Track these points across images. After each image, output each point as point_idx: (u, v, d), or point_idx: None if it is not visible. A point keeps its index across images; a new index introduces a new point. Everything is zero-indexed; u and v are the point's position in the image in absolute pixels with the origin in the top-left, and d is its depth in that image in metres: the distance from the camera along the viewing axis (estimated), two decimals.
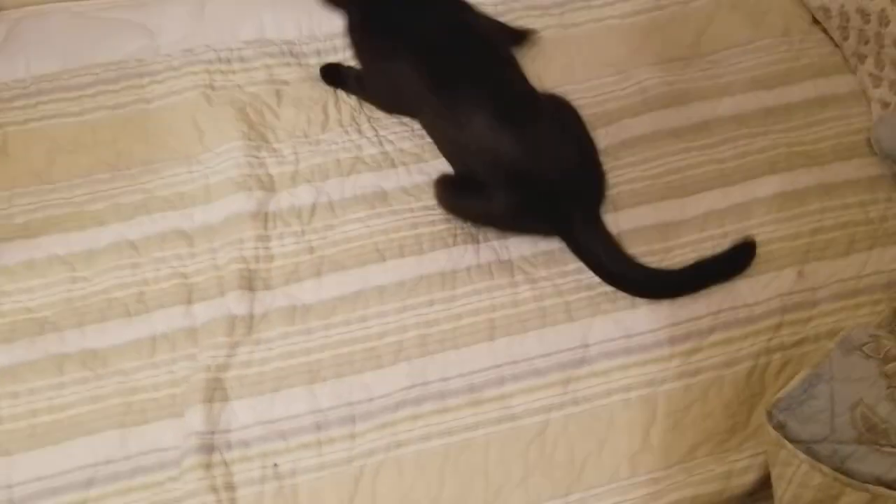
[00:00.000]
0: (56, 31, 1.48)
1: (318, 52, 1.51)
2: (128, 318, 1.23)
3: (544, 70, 1.49)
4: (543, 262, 1.31)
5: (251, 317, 1.24)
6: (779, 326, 1.26)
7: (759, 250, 1.32)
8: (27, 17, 1.50)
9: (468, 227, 1.33)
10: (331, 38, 1.52)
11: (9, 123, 1.37)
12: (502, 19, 1.53)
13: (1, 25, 1.49)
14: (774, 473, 1.10)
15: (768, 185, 1.38)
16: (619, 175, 1.38)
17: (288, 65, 1.48)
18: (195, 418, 1.15)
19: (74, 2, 1.54)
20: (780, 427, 1.10)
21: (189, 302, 1.25)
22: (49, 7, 1.52)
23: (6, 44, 1.46)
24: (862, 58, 1.50)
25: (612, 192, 1.37)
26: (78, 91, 1.42)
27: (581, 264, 1.30)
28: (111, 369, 1.20)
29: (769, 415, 1.11)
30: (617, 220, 1.34)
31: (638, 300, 1.27)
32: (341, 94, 1.46)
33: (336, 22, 1.51)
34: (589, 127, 1.39)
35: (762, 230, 1.34)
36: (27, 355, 1.20)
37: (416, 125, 1.42)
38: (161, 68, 1.45)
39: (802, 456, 1.05)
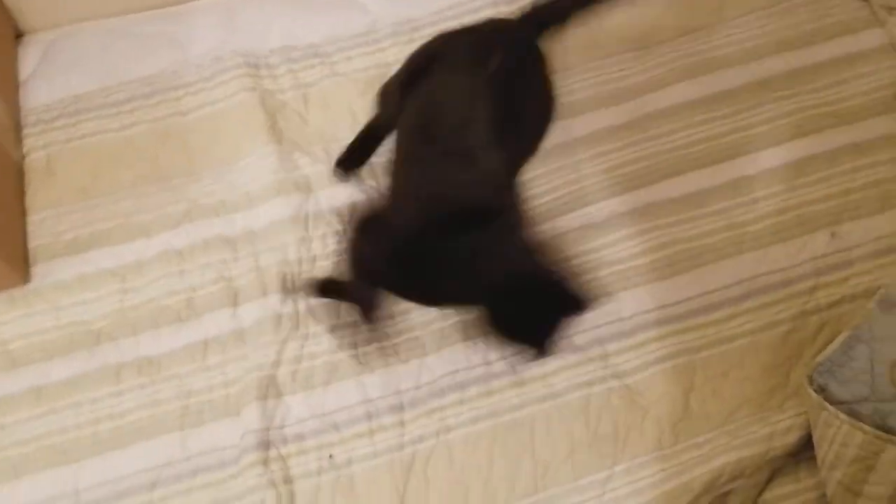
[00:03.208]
0: (90, 49, 1.52)
1: (342, 50, 1.53)
2: (179, 323, 1.28)
3: (565, 50, 1.49)
4: (571, 241, 1.32)
5: (297, 313, 1.27)
6: (814, 289, 1.27)
7: (790, 214, 1.33)
8: (60, 37, 1.54)
9: None
10: (354, 37, 1.54)
11: (52, 143, 1.42)
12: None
13: (36, 48, 1.53)
14: (816, 435, 1.12)
15: (797, 149, 1.39)
16: (645, 149, 1.39)
17: (312, 66, 1.50)
18: (250, 416, 1.19)
19: (105, 19, 1.57)
20: (821, 390, 1.11)
21: (235, 304, 1.29)
22: (81, 26, 1.56)
23: (43, 65, 1.51)
24: (891, 10, 1.49)
25: (638, 167, 1.38)
26: (116, 107, 1.45)
27: (604, 240, 1.32)
28: (166, 374, 1.24)
29: (810, 379, 1.12)
30: (649, 193, 1.36)
31: (666, 272, 1.29)
32: (365, 91, 1.46)
33: (359, 22, 1.54)
34: (612, 102, 1.41)
35: (793, 194, 1.34)
36: (86, 366, 1.25)
37: None
38: (194, 79, 1.48)
39: (843, 416, 1.07)
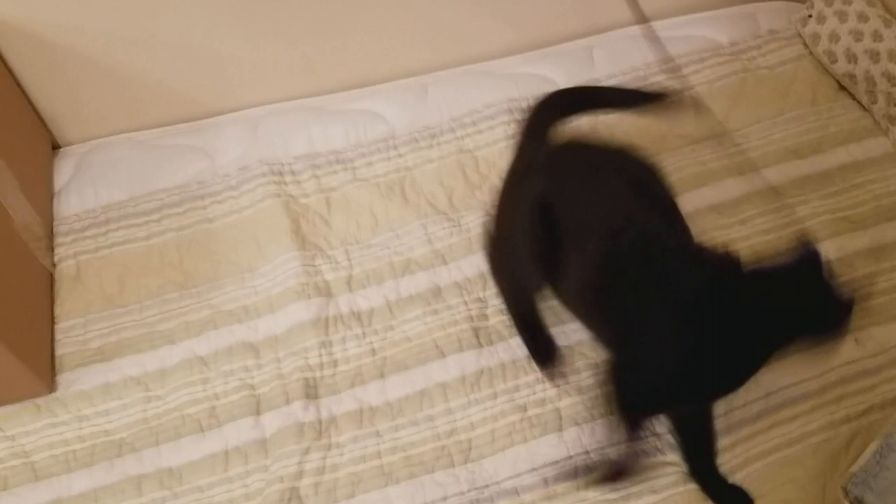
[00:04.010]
0: (121, 160, 1.57)
1: (363, 156, 1.58)
2: (201, 433, 1.26)
3: None
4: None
5: (319, 422, 1.26)
6: (841, 398, 1.26)
7: None
8: (93, 149, 1.60)
9: None
10: (374, 143, 1.59)
11: (81, 252, 1.45)
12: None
13: (70, 160, 1.59)
14: None
15: None
16: None
17: (335, 172, 1.55)
18: None
19: (136, 132, 1.63)
20: (858, 502, 1.09)
21: (258, 413, 1.28)
22: (113, 139, 1.62)
23: (76, 177, 1.55)
24: (893, 119, 1.53)
25: None
26: (145, 217, 1.49)
27: None
28: (187, 487, 1.22)
29: (845, 491, 1.10)
30: None
31: None
32: (386, 195, 1.51)
33: (378, 130, 1.60)
34: None
35: None
36: (107, 478, 1.22)
37: (463, 221, 1.47)
38: (220, 188, 1.52)
39: None
